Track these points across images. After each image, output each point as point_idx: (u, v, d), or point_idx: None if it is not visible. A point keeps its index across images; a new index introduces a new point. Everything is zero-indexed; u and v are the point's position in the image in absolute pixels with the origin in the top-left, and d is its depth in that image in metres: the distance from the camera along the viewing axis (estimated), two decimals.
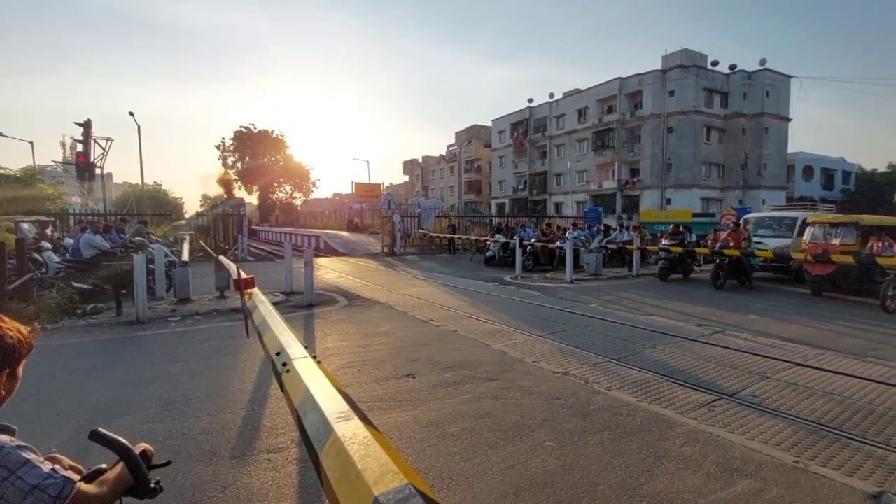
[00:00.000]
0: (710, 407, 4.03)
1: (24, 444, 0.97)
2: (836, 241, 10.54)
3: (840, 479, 2.90)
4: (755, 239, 12.78)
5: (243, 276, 3.51)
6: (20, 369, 1.12)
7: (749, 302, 9.55)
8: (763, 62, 39.55)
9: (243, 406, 4.05)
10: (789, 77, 41.13)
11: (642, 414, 3.87)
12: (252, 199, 53.60)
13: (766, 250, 11.42)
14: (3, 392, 1.07)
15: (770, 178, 39.91)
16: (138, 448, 1.13)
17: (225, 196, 40.99)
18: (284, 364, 1.70)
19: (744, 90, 39.56)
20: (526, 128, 52.56)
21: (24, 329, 1.11)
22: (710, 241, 13.57)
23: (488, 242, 17.40)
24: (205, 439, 3.42)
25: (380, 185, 29.51)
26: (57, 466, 0.99)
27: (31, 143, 30.72)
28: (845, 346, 6.15)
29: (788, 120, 41.53)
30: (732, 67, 40.18)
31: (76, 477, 1.01)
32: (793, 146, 43.02)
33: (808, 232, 11.45)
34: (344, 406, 1.24)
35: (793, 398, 4.24)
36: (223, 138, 52.04)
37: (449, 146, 69.21)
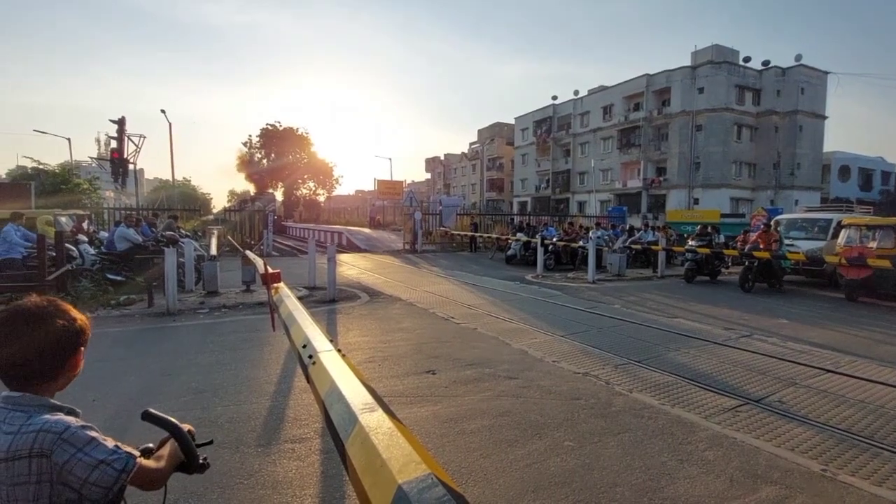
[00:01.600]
0: (735, 412, 3.95)
1: (87, 423, 1.06)
2: (872, 245, 10.14)
3: (869, 489, 2.82)
4: (787, 241, 12.38)
5: (270, 270, 3.60)
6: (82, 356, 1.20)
7: (779, 306, 9.28)
8: (798, 58, 38.22)
9: (268, 397, 4.16)
10: (826, 73, 39.63)
11: (664, 417, 3.82)
12: (277, 196, 54.55)
13: (797, 253, 11.06)
14: (76, 371, 1.16)
15: (804, 178, 38.57)
16: (184, 428, 1.22)
17: (254, 191, 41.82)
18: (311, 356, 1.75)
19: (777, 87, 38.29)
20: (549, 125, 52.03)
21: (84, 315, 1.20)
22: (739, 243, 13.22)
23: (510, 241, 17.33)
24: (232, 428, 3.53)
25: (402, 182, 29.67)
26: (119, 443, 1.07)
27: (69, 139, 31.93)
28: (880, 353, 5.93)
29: (824, 118, 40.05)
30: (766, 63, 38.90)
31: (137, 453, 1.09)
32: (829, 145, 41.58)
33: (842, 234, 11.04)
34: (368, 398, 1.28)
35: (822, 405, 4.12)
36: (250, 136, 53.12)
37: (471, 144, 69.08)
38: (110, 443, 1.05)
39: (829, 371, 5.05)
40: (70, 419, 1.05)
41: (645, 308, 8.67)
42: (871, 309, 9.26)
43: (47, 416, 1.03)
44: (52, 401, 1.10)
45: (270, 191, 45.12)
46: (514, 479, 2.89)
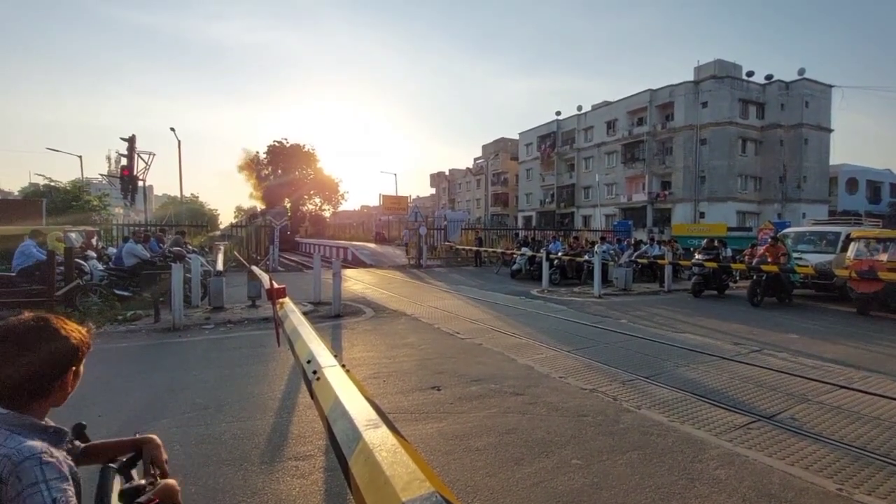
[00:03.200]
0: (747, 429, 3.87)
1: (53, 457, 1.01)
2: (882, 258, 10.03)
3: None
4: (795, 254, 12.27)
5: (275, 286, 3.61)
6: (82, 367, 1.20)
7: (788, 320, 9.16)
8: (801, 72, 38.35)
9: (273, 413, 4.14)
10: (830, 86, 39.73)
11: (674, 434, 3.75)
12: None
13: (806, 266, 10.96)
14: (70, 389, 1.17)
15: (811, 191, 38.40)
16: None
17: (262, 206, 42.04)
18: (315, 372, 1.75)
19: (781, 101, 38.37)
20: (553, 140, 52.36)
21: (82, 329, 1.20)
22: (746, 257, 13.12)
23: (515, 255, 17.31)
24: (236, 445, 3.50)
25: (407, 197, 29.84)
26: (71, 489, 1.00)
27: (80, 157, 32.50)
28: (894, 368, 5.82)
29: (830, 131, 40.02)
30: (769, 77, 39.10)
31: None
32: (836, 158, 41.42)
33: (852, 247, 10.95)
34: (372, 414, 1.27)
35: (836, 422, 4.03)
36: (257, 152, 53.75)
37: (476, 159, 69.54)
38: (56, 489, 0.97)
39: (842, 387, 4.95)
40: (39, 445, 1.01)
41: (652, 323, 8.58)
42: (884, 323, 9.11)
43: (21, 439, 1.01)
44: (37, 421, 1.08)
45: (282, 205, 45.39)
46: (521, 498, 2.84)
